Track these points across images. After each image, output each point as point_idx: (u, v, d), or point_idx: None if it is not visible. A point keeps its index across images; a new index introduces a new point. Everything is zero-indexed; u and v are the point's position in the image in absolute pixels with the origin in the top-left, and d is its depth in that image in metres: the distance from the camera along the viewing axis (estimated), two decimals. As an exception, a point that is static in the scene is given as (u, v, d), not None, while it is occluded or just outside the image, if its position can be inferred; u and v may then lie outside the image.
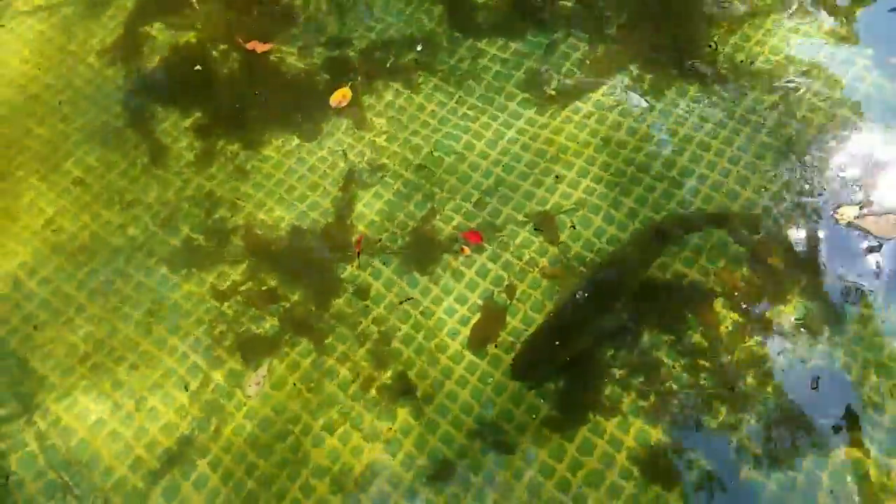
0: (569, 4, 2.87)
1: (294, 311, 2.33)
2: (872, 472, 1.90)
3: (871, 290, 2.14)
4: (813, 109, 2.50)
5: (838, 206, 2.27)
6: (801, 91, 2.54)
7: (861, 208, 2.25)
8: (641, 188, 2.42)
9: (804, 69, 2.58)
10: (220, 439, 2.13)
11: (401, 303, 2.30)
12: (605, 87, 2.65)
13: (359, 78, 2.80)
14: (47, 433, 2.19)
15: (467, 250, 2.39)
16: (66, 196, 2.65)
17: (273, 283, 2.40)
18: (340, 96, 2.76)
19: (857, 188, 2.31)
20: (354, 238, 2.45)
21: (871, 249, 2.18)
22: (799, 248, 2.24)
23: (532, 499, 1.96)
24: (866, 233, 2.21)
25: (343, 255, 2.42)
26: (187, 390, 2.22)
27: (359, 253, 2.42)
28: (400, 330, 2.25)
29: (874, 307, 2.12)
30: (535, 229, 2.36)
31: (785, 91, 2.55)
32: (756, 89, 2.57)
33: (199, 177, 2.65)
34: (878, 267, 2.15)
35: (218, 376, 2.24)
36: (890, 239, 2.19)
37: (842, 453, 1.92)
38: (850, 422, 1.96)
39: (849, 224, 2.23)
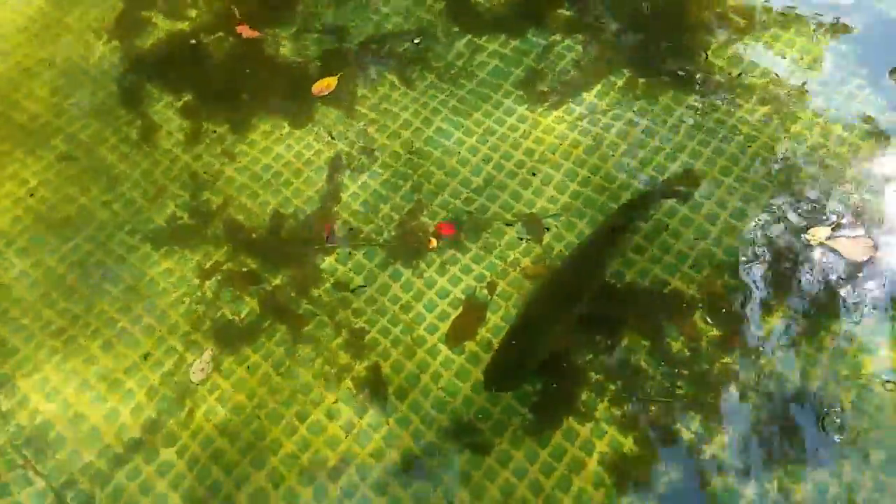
0: (567, 7, 2.87)
1: (274, 297, 2.31)
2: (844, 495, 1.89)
3: (843, 309, 2.14)
4: (807, 126, 2.50)
5: (810, 227, 2.26)
6: (794, 106, 2.53)
7: (833, 229, 2.24)
8: (629, 194, 2.41)
9: (798, 85, 2.58)
10: (191, 423, 2.10)
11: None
12: (598, 89, 2.64)
13: (352, 68, 2.79)
14: (11, 411, 2.16)
15: (434, 242, 2.37)
16: (52, 169, 2.64)
17: (254, 266, 2.38)
18: (325, 85, 2.75)
19: (837, 208, 2.30)
20: (325, 224, 2.43)
21: (842, 271, 2.18)
22: (778, 265, 2.22)
23: (506, 499, 1.94)
24: (837, 254, 2.20)
25: (325, 244, 2.40)
26: (161, 372, 2.20)
27: (328, 237, 2.41)
28: (378, 322, 2.24)
29: (843, 327, 2.11)
30: (520, 237, 2.35)
31: (778, 105, 2.54)
32: (749, 101, 2.56)
33: (187, 156, 2.64)
34: (848, 288, 2.16)
35: (191, 359, 2.22)
36: (859, 261, 2.19)
37: (815, 472, 1.90)
38: (824, 439, 1.94)
39: (820, 244, 2.22)
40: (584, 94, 2.63)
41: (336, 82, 2.75)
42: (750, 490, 1.89)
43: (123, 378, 2.20)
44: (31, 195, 2.56)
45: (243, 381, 2.17)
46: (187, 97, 2.78)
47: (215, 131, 2.68)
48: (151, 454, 2.07)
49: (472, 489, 1.96)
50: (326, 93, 2.73)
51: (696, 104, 2.57)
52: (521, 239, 2.35)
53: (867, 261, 2.19)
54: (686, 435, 1.98)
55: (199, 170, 2.60)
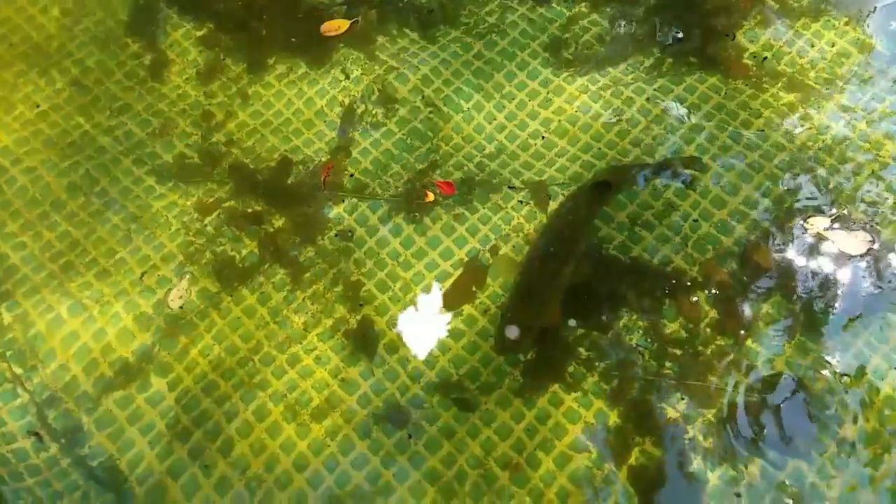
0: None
1: (276, 239, 2.30)
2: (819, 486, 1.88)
3: (837, 302, 2.12)
4: (831, 118, 2.44)
5: (810, 216, 2.24)
6: (819, 97, 2.48)
7: (833, 221, 2.22)
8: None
9: (827, 77, 2.52)
10: (185, 358, 2.11)
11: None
12: (624, 65, 2.59)
13: (374, 13, 2.74)
14: (10, 325, 2.18)
15: (431, 196, 2.35)
16: (63, 94, 2.61)
17: (257, 208, 2.37)
18: (335, 26, 2.70)
19: (845, 202, 2.26)
20: (324, 165, 2.42)
21: (839, 262, 2.17)
22: (781, 252, 2.20)
23: (486, 455, 1.95)
24: (833, 245, 2.18)
25: (331, 195, 2.38)
26: (155, 303, 2.20)
27: (325, 180, 2.39)
28: (376, 276, 2.23)
29: (838, 319, 2.09)
30: (524, 202, 2.33)
31: (803, 94, 2.49)
32: (775, 87, 2.50)
33: (199, 94, 2.61)
34: (843, 279, 2.15)
35: (193, 294, 2.22)
36: (855, 255, 2.16)
37: (792, 464, 1.89)
38: (806, 433, 1.93)
39: (817, 234, 2.20)
40: (610, 68, 2.58)
41: (347, 25, 2.70)
42: (726, 473, 1.89)
43: (117, 305, 2.20)
44: (46, 123, 2.54)
45: (238, 321, 2.17)
46: (204, 30, 2.73)
47: (231, 70, 2.65)
48: (143, 383, 2.08)
49: (454, 443, 1.97)
50: (334, 34, 2.69)
51: (720, 86, 2.52)
52: (522, 203, 2.33)
53: (864, 255, 2.17)
54: (672, 414, 1.97)
55: (212, 109, 2.57)
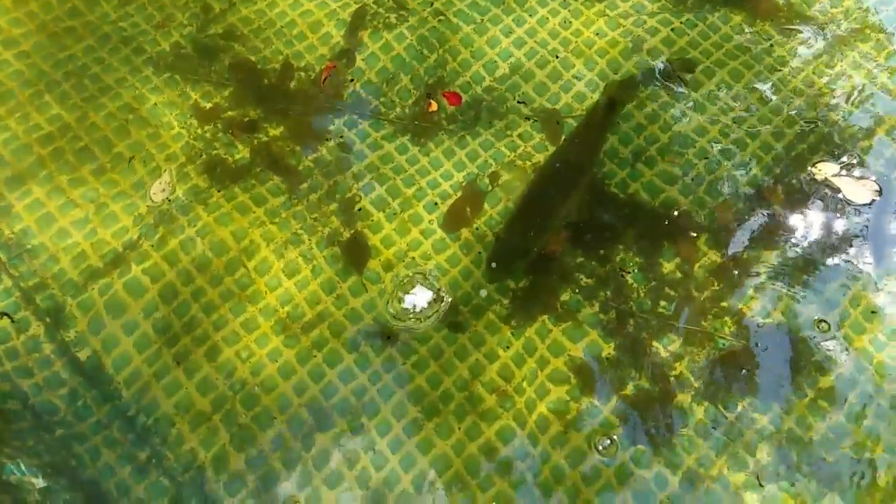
0: None
1: (272, 146, 2.23)
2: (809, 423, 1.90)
3: (842, 249, 2.09)
4: (855, 66, 2.37)
5: (819, 161, 2.19)
6: (847, 46, 2.39)
7: (842, 168, 2.17)
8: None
9: (856, 26, 2.43)
10: (163, 249, 2.06)
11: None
12: (646, -6, 2.48)
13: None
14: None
15: (434, 105, 2.28)
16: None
17: (256, 114, 2.28)
18: None
19: (857, 150, 2.21)
20: (327, 66, 2.33)
21: (843, 210, 2.13)
22: (786, 197, 2.16)
23: (473, 379, 1.95)
24: (837, 192, 2.14)
25: (332, 106, 2.29)
26: (146, 200, 2.14)
27: (324, 80, 2.30)
28: (375, 191, 2.17)
29: (845, 266, 2.07)
30: (535, 131, 2.26)
31: (831, 42, 2.40)
32: (803, 33, 2.41)
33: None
34: (844, 228, 2.12)
35: (179, 191, 2.16)
36: (861, 204, 2.13)
37: (780, 410, 1.91)
38: (798, 382, 1.94)
39: (824, 180, 2.16)
40: (632, -5, 2.48)
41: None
42: (709, 411, 1.91)
43: (100, 189, 2.13)
44: (41, 6, 2.41)
45: (229, 216, 2.12)
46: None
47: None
48: (125, 272, 2.04)
49: (442, 364, 1.96)
50: None
51: (745, 25, 2.42)
52: (534, 132, 2.26)
53: (869, 204, 2.13)
54: (662, 353, 1.97)
55: (213, 3, 2.45)
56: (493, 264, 2.01)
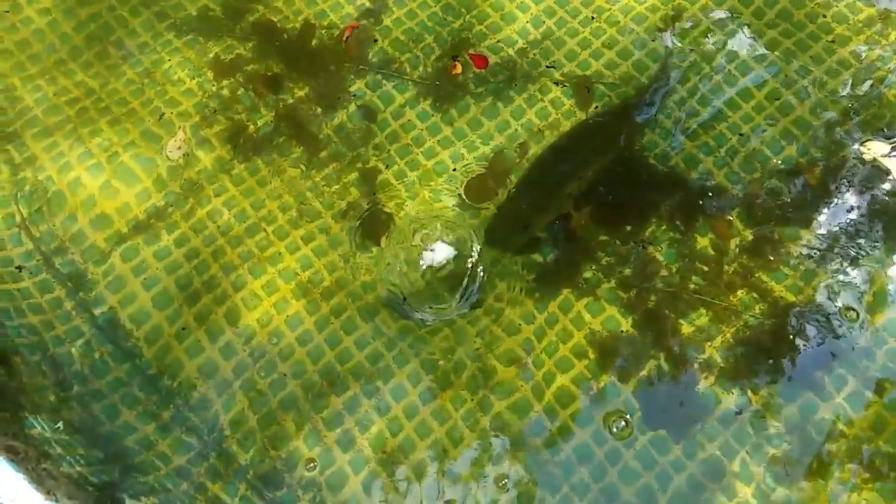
0: None
1: (296, 110, 2.20)
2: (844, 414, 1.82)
3: (882, 233, 1.99)
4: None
5: (867, 139, 2.07)
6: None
7: (893, 149, 2.05)
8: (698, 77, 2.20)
9: (914, -7, 2.28)
10: (191, 218, 2.07)
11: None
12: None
13: None
14: (20, 165, 2.13)
15: (458, 68, 2.21)
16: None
17: (279, 69, 2.26)
18: None
19: None
20: (349, 26, 2.29)
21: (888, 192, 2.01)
22: (830, 176, 2.05)
23: (486, 351, 1.92)
24: (887, 174, 2.02)
25: (355, 67, 2.25)
26: (166, 161, 2.14)
27: (347, 39, 2.26)
28: (397, 164, 2.13)
29: (883, 252, 1.97)
30: (565, 97, 2.18)
31: (883, 10, 2.25)
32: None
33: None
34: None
35: (201, 155, 2.15)
36: None
37: (805, 395, 1.83)
38: (828, 366, 1.86)
39: (873, 160, 2.04)
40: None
41: None
42: (736, 396, 1.84)
43: (126, 158, 2.14)
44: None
45: (251, 189, 2.11)
46: None
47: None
48: (151, 238, 2.05)
49: (455, 333, 1.93)
50: None
51: (792, -9, 2.29)
52: (564, 98, 2.18)
53: None
54: (687, 330, 1.91)
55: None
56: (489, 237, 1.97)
